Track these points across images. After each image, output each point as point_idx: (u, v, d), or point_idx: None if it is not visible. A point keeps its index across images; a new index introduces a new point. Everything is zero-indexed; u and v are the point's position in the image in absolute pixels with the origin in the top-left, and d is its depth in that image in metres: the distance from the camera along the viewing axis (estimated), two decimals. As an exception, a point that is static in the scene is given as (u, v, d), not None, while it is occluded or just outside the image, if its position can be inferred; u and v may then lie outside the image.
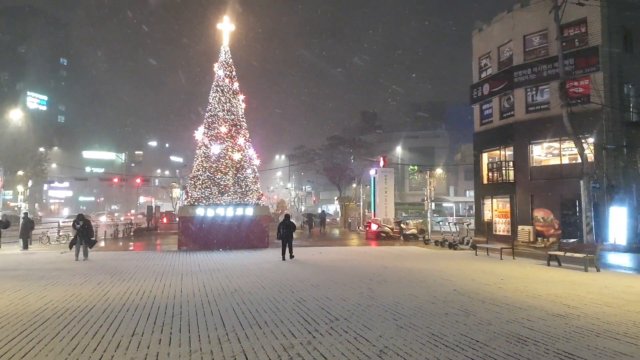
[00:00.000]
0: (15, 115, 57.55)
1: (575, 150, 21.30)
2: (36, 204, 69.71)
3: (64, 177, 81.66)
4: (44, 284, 11.58)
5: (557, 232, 24.14)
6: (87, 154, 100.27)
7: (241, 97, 22.93)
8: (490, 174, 29.15)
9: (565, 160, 24.58)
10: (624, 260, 18.13)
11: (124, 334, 7.08)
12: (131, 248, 23.10)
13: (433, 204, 33.07)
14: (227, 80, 22.46)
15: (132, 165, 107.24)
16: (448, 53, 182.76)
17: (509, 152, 27.80)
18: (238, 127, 22.27)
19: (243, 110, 22.96)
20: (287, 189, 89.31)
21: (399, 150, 66.70)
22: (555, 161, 25.39)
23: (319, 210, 56.48)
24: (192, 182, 21.85)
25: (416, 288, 10.98)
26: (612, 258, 18.56)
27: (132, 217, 52.11)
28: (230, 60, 22.92)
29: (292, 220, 18.34)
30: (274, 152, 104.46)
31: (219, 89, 22.30)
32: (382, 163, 32.77)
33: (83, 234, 17.17)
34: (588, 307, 9.01)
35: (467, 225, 27.03)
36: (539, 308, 8.84)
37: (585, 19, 23.26)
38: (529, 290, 10.77)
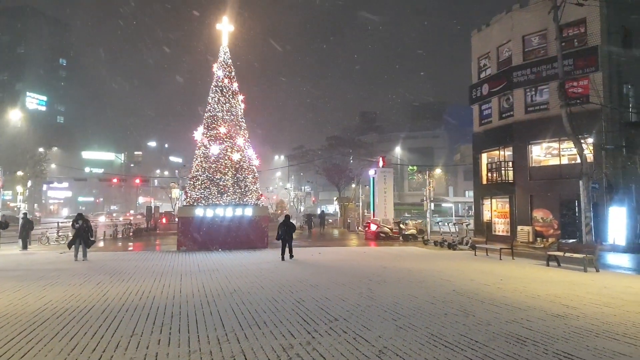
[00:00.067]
0: (15, 116, 57.53)
1: (575, 151, 21.30)
2: (35, 205, 69.65)
3: (63, 178, 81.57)
4: (43, 284, 11.57)
5: (556, 232, 24.15)
6: (86, 155, 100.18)
7: (240, 97, 22.93)
8: (489, 174, 29.15)
9: (565, 161, 24.59)
10: (623, 260, 18.14)
11: (123, 334, 7.08)
12: (130, 248, 23.08)
13: (432, 204, 33.09)
14: (226, 80, 22.46)
15: (132, 165, 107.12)
16: (447, 53, 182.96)
17: (508, 153, 27.81)
18: (237, 127, 22.26)
19: (242, 111, 22.96)
20: (286, 189, 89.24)
21: (398, 150, 66.71)
22: (555, 161, 25.40)
23: (318, 211, 56.50)
24: (192, 183, 21.83)
25: (415, 288, 10.98)
26: (611, 258, 18.58)
27: (131, 218, 52.04)
28: (230, 60, 22.93)
29: (292, 220, 18.40)
30: (273, 152, 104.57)
31: (218, 90, 22.30)
32: (381, 163, 32.77)
33: (82, 233, 17.16)
34: (587, 307, 9.01)
35: (467, 225, 27.03)
36: (538, 308, 8.85)
37: (584, 19, 23.28)
38: (528, 290, 10.77)
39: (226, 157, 21.59)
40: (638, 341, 6.75)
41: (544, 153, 26.41)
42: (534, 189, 25.68)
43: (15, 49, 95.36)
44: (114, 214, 67.88)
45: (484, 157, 30.27)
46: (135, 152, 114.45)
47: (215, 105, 22.10)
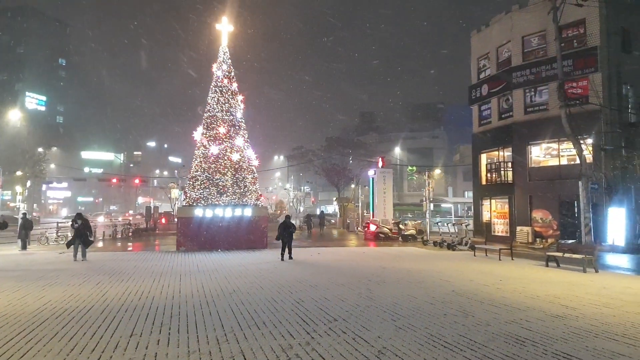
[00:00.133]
0: (14, 116, 57.50)
1: (574, 151, 21.32)
2: (35, 205, 69.52)
3: (63, 178, 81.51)
4: (43, 285, 11.57)
5: (555, 233, 24.17)
6: (85, 155, 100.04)
7: (240, 97, 22.93)
8: (488, 175, 29.17)
9: (564, 161, 24.60)
10: (623, 261, 18.15)
11: (123, 334, 7.07)
12: (130, 248, 23.07)
13: (432, 204, 33.08)
14: (225, 80, 22.46)
15: (131, 165, 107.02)
16: (447, 54, 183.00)
17: (507, 153, 27.82)
18: (237, 127, 22.26)
19: (242, 111, 22.96)
20: (285, 189, 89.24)
21: (397, 151, 66.73)
22: (554, 162, 25.41)
23: (318, 211, 56.47)
24: (191, 183, 21.83)
25: (415, 289, 10.98)
26: (611, 259, 18.58)
27: (131, 218, 52.00)
28: (229, 60, 22.92)
29: (292, 221, 18.45)
30: (272, 152, 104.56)
31: (217, 90, 22.29)
32: (380, 164, 32.80)
33: (81, 233, 17.14)
34: (586, 308, 9.02)
35: (466, 226, 27.03)
36: (537, 309, 8.85)
37: (583, 19, 23.31)
38: (528, 291, 10.78)
39: (225, 158, 21.59)
40: (637, 341, 6.75)
41: (544, 154, 26.43)
42: (534, 189, 25.69)
43: (14, 49, 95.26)
44: (113, 214, 67.76)
45: (484, 158, 30.29)
46: (135, 152, 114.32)
47: (215, 106, 22.10)
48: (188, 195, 21.90)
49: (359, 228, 36.49)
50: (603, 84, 22.58)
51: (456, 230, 25.42)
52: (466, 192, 57.26)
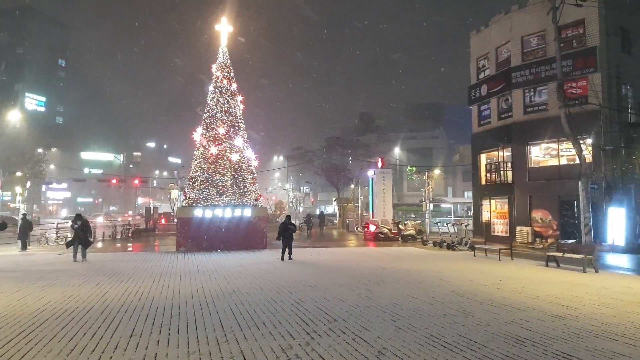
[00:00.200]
0: (14, 116, 57.47)
1: (574, 151, 21.33)
2: (34, 205, 69.48)
3: (62, 178, 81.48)
4: (42, 285, 11.56)
5: (555, 233, 24.18)
6: (85, 155, 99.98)
7: (239, 98, 22.92)
8: (488, 175, 29.17)
9: (564, 161, 24.61)
10: (623, 261, 18.15)
11: (123, 334, 7.07)
12: (129, 249, 23.06)
13: (431, 205, 33.07)
14: (225, 81, 22.45)
15: (131, 166, 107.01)
16: (446, 54, 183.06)
17: (507, 153, 27.83)
18: (236, 128, 22.25)
19: (241, 111, 22.96)
20: (285, 189, 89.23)
21: (397, 151, 66.71)
22: (554, 162, 25.42)
23: (317, 212, 56.46)
24: (190, 183, 21.81)
25: (414, 289, 10.98)
26: (611, 259, 18.58)
27: (130, 218, 51.99)
28: (229, 61, 22.92)
29: (292, 221, 18.51)
30: (272, 153, 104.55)
31: (217, 90, 22.29)
32: (380, 164, 32.80)
33: (81, 234, 17.13)
34: (586, 308, 9.02)
35: (466, 226, 27.03)
36: (537, 309, 8.85)
37: (583, 19, 23.32)
38: (528, 291, 10.78)
39: (225, 158, 21.58)
40: (637, 342, 6.75)
41: (543, 154, 26.44)
42: (533, 189, 25.70)
43: (14, 49, 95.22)
44: (112, 215, 67.71)
45: (483, 158, 30.30)
46: (134, 153, 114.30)
47: (214, 106, 22.09)
48: (187, 195, 21.89)
49: (358, 228, 36.50)
50: (602, 84, 22.59)
51: (456, 231, 25.42)
52: (466, 192, 57.25)
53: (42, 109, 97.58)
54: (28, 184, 59.80)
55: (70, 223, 19.61)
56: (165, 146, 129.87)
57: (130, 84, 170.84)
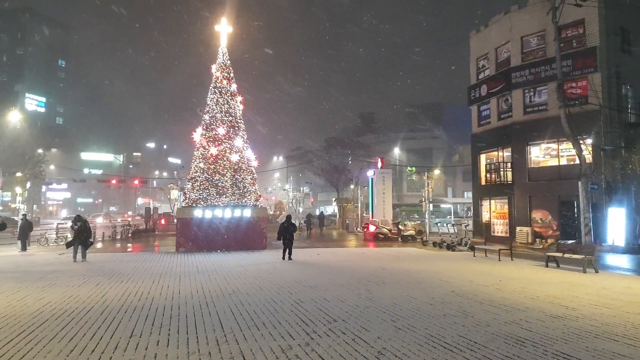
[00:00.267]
0: (14, 117, 57.49)
1: (574, 151, 21.33)
2: (34, 206, 69.48)
3: (62, 179, 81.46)
4: (42, 286, 11.56)
5: (555, 233, 24.17)
6: (85, 156, 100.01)
7: (239, 98, 22.93)
8: (488, 175, 29.16)
9: (564, 161, 24.60)
10: (623, 261, 18.14)
11: (122, 335, 7.07)
12: (129, 249, 23.06)
13: (431, 205, 33.07)
14: (225, 81, 22.45)
15: (130, 166, 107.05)
16: (446, 54, 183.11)
17: (507, 153, 27.82)
18: (236, 128, 22.25)
19: (241, 112, 22.96)
20: (285, 190, 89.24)
21: (396, 151, 66.68)
22: (554, 162, 25.41)
23: (317, 212, 56.46)
24: (190, 184, 21.82)
25: (414, 289, 10.98)
26: (611, 259, 18.58)
27: (130, 219, 51.99)
28: (228, 61, 22.92)
29: (292, 221, 18.58)
30: (272, 153, 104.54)
31: (217, 91, 22.29)
32: (380, 164, 32.80)
33: (81, 234, 17.14)
34: (586, 308, 9.01)
35: (466, 226, 27.02)
36: (537, 309, 8.85)
37: (582, 19, 23.31)
38: (527, 291, 10.78)
39: (225, 158, 21.58)
40: (637, 342, 6.75)
41: (543, 154, 26.43)
42: (533, 189, 25.69)
43: (14, 50, 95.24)
44: (112, 215, 67.66)
45: (483, 158, 30.30)
46: (134, 153, 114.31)
47: (214, 107, 22.09)
48: (187, 196, 21.89)
49: (358, 229, 36.49)
50: (602, 84, 22.58)
51: (456, 231, 25.42)
52: (465, 193, 57.24)
53: (42, 110, 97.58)
54: (28, 185, 59.82)
55: (70, 224, 19.60)
56: (165, 146, 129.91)
57: (130, 84, 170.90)
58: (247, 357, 6.06)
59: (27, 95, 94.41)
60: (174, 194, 46.37)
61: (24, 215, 23.13)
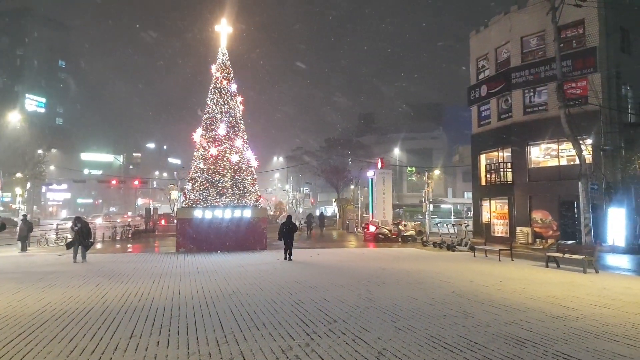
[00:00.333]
0: (14, 117, 57.52)
1: (573, 152, 21.30)
2: (35, 206, 69.52)
3: (62, 179, 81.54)
4: (42, 286, 11.56)
5: (555, 233, 24.16)
6: (85, 156, 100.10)
7: (239, 98, 22.92)
8: (488, 176, 29.15)
9: (564, 162, 24.59)
10: (623, 261, 18.15)
11: (122, 335, 7.07)
12: (129, 250, 23.05)
13: (431, 205, 33.06)
14: (224, 82, 22.44)
15: (130, 167, 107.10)
16: (446, 55, 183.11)
17: (507, 154, 27.82)
18: (236, 128, 22.25)
19: (241, 112, 22.95)
20: (284, 190, 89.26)
21: (396, 151, 66.69)
22: (554, 162, 25.40)
23: (317, 212, 56.44)
24: (190, 184, 21.81)
25: (414, 290, 10.97)
26: (611, 259, 18.58)
27: (129, 219, 52.01)
28: (228, 62, 22.92)
29: (293, 221, 18.67)
30: (272, 153, 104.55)
31: (216, 91, 22.28)
32: (379, 164, 32.81)
33: (81, 236, 17.13)
34: (587, 308, 9.01)
35: (466, 227, 27.00)
36: (537, 310, 8.84)
37: (582, 20, 23.31)
38: (528, 291, 10.77)
39: (225, 159, 21.58)
40: (638, 342, 6.75)
41: (543, 154, 26.43)
42: (533, 190, 25.69)
43: (14, 50, 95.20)
44: (112, 216, 67.68)
45: (483, 159, 30.29)
46: (134, 154, 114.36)
47: (214, 107, 22.09)
48: (187, 196, 21.89)
49: (358, 229, 36.48)
50: (602, 84, 22.57)
51: (456, 231, 25.41)
52: (465, 193, 57.26)
53: (42, 110, 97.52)
54: (28, 185, 59.87)
55: (70, 225, 19.60)
56: (165, 147, 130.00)
57: (130, 84, 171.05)
58: (247, 357, 6.06)
59: (27, 95, 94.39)
60: (174, 194, 46.42)
61: (24, 216, 23.12)
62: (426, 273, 13.85)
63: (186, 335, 7.12)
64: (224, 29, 23.17)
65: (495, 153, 29.13)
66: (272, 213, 62.86)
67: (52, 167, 77.27)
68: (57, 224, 29.76)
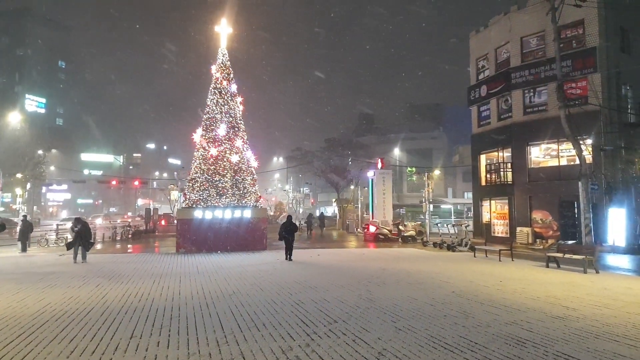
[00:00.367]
0: (14, 118, 57.51)
1: (574, 152, 21.29)
2: (35, 207, 69.48)
3: (63, 180, 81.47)
4: (43, 287, 11.56)
5: (555, 233, 24.14)
6: (85, 157, 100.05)
7: (239, 99, 22.91)
8: (488, 176, 29.15)
9: (564, 162, 24.58)
10: (623, 261, 18.15)
11: (122, 336, 7.07)
12: (129, 250, 23.05)
13: (431, 205, 33.05)
14: (224, 82, 22.44)
15: (130, 167, 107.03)
16: (446, 55, 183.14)
17: (507, 154, 27.81)
18: (236, 129, 22.25)
19: (241, 113, 22.95)
20: (285, 190, 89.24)
21: (396, 152, 66.66)
22: (554, 162, 25.40)
23: (317, 213, 56.44)
24: (190, 184, 21.80)
25: (415, 290, 10.97)
26: (611, 259, 18.58)
27: (130, 220, 52.02)
28: (228, 62, 22.91)
29: (294, 221, 18.71)
30: (272, 154, 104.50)
31: (216, 91, 22.28)
32: (380, 165, 32.80)
33: (81, 236, 17.13)
34: (587, 308, 9.01)
35: (466, 227, 26.99)
36: (537, 310, 8.84)
37: (582, 20, 23.31)
38: (528, 292, 10.77)
39: (225, 159, 21.57)
40: (638, 342, 6.74)
41: (543, 154, 26.42)
42: (533, 190, 25.68)
43: (14, 51, 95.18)
44: (112, 216, 67.64)
45: (483, 159, 30.28)
46: (134, 154, 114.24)
47: (214, 107, 22.08)
48: (187, 196, 21.88)
49: (358, 229, 36.47)
50: (602, 84, 22.57)
51: (456, 231, 25.40)
52: (466, 193, 57.23)
53: (42, 111, 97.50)
54: (28, 186, 59.86)
55: (70, 225, 19.59)
56: (165, 147, 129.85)
57: (130, 84, 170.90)
58: (247, 358, 6.06)
59: (27, 96, 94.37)
60: (174, 194, 46.40)
61: (25, 216, 23.13)
62: (426, 273, 13.85)
63: (186, 335, 7.12)
64: (224, 30, 23.17)
65: (495, 153, 29.13)
66: (272, 213, 62.84)
67: (52, 168, 77.23)
68: (57, 225, 29.76)
